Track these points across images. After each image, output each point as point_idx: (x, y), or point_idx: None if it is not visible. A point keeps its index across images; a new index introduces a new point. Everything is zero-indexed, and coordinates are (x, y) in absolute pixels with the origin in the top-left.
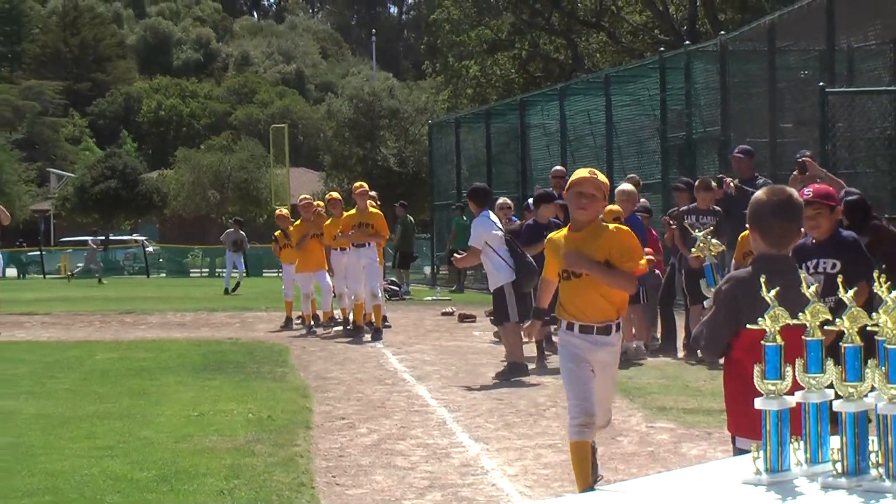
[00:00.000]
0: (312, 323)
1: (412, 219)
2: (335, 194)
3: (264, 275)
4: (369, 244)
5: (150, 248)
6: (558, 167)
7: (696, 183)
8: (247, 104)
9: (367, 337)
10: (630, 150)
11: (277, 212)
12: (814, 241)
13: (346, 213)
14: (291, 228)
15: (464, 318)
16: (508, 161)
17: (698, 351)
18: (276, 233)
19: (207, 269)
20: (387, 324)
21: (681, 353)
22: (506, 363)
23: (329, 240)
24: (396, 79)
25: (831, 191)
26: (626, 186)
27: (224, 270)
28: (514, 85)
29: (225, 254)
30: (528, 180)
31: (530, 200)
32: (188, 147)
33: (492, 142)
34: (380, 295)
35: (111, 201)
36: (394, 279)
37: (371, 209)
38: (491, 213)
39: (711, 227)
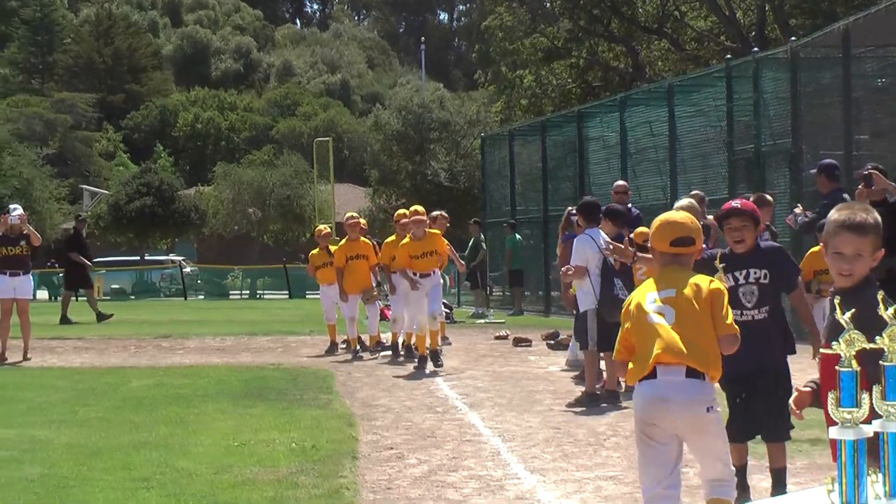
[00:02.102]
0: (359, 347)
1: (519, 237)
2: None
3: (308, 296)
4: (434, 272)
5: (188, 269)
6: (620, 182)
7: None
8: (289, 117)
9: (430, 367)
10: (694, 163)
11: (318, 229)
12: (738, 252)
13: (401, 242)
14: (335, 248)
15: (519, 342)
16: (565, 176)
17: None
18: (313, 251)
19: (248, 291)
20: (448, 342)
21: None
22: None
23: (387, 259)
24: (447, 89)
25: (755, 206)
26: (686, 202)
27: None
28: (571, 95)
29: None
30: (588, 195)
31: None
32: (227, 162)
33: (548, 155)
34: (439, 318)
35: (147, 219)
36: (444, 301)
37: (429, 232)
38: (601, 231)
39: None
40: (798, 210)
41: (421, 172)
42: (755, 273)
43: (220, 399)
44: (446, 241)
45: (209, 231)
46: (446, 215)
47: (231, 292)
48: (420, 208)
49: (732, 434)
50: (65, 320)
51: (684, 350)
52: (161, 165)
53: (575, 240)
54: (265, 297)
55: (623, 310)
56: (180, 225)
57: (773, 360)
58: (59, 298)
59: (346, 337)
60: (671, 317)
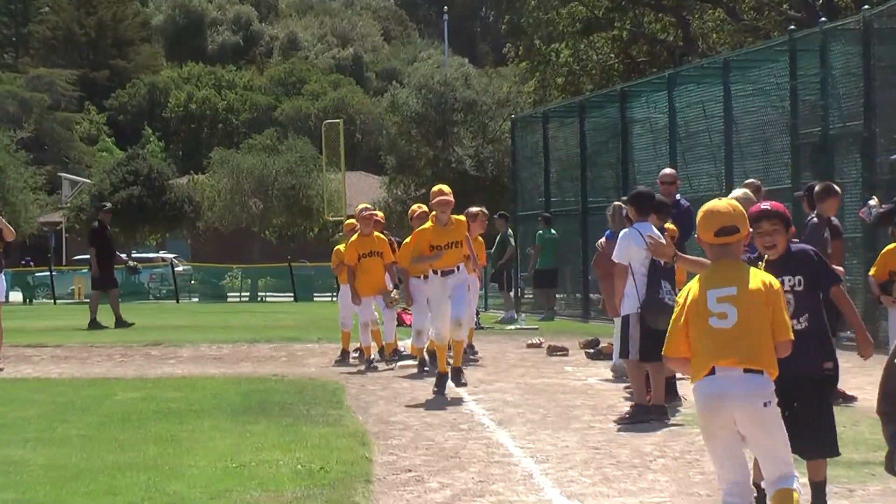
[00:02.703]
0: (374, 356)
1: (556, 234)
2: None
3: (315, 299)
4: (458, 267)
5: (181, 268)
6: (668, 170)
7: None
8: (294, 96)
9: (453, 388)
10: (753, 149)
11: (347, 222)
12: (770, 259)
13: (420, 227)
14: (342, 247)
15: (554, 350)
16: (606, 163)
17: None
18: (340, 246)
19: (248, 293)
20: (474, 352)
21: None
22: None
23: (405, 261)
24: (473, 65)
25: (784, 208)
26: (740, 192)
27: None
28: (612, 72)
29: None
30: (631, 185)
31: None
32: (225, 147)
33: (587, 140)
34: (464, 325)
35: (134, 212)
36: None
37: (455, 219)
38: (651, 226)
39: None
40: (873, 202)
41: (443, 159)
42: (790, 281)
43: (216, 414)
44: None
45: (204, 225)
46: (486, 212)
47: (229, 294)
48: (446, 188)
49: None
50: (94, 324)
51: (745, 353)
52: (150, 151)
53: (621, 234)
54: (267, 299)
55: (679, 306)
56: (172, 218)
57: (817, 371)
58: (33, 301)
59: (358, 345)
60: (734, 316)
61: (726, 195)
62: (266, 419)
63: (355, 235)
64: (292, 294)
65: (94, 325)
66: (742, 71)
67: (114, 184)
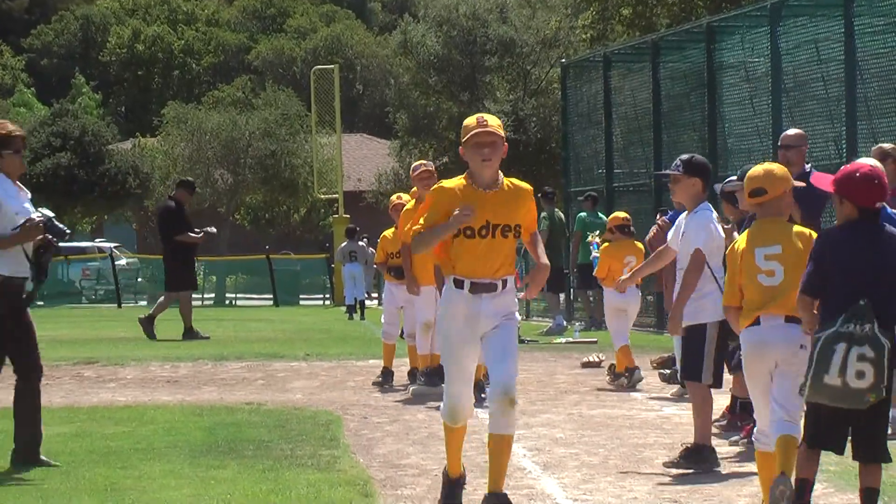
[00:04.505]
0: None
1: (562, 215)
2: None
3: (302, 303)
4: None
5: (123, 262)
6: (794, 131)
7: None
8: (274, 34)
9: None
10: (884, 104)
11: (394, 203)
12: None
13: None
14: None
15: (589, 365)
16: (688, 122)
17: None
18: (388, 231)
19: (213, 294)
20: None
21: None
22: (687, 444)
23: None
24: None
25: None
26: (869, 161)
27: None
28: (696, 1)
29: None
30: (721, 151)
31: (720, 186)
32: (182, 102)
33: (661, 92)
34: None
35: (62, 187)
36: None
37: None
38: (709, 206)
39: None
40: None
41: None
42: None
43: (171, 456)
44: None
45: (154, 204)
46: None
47: None
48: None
49: (820, 438)
50: (190, 333)
51: (788, 305)
52: (83, 106)
53: (694, 213)
54: (239, 303)
55: (731, 262)
56: (111, 196)
57: None
58: None
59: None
60: (780, 274)
61: (847, 163)
62: (236, 462)
63: (411, 202)
64: (272, 296)
65: (189, 334)
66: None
67: (34, 149)
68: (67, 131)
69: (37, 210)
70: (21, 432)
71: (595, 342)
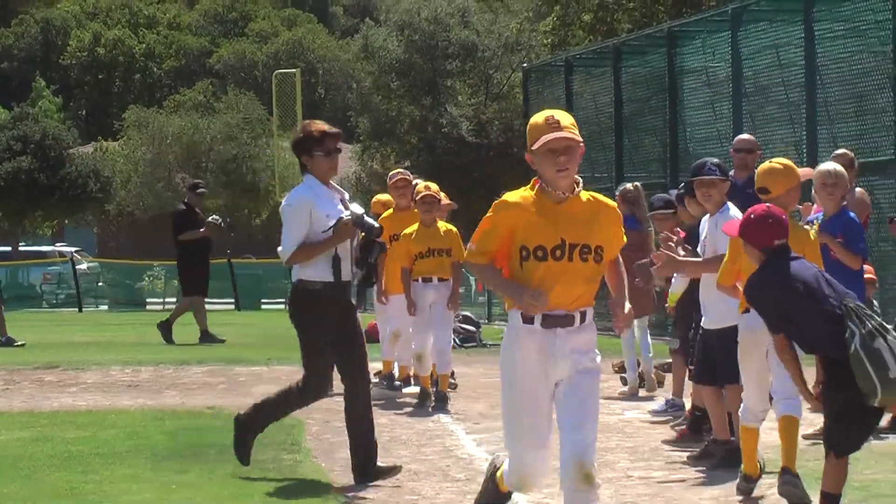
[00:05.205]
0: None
1: None
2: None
3: (264, 307)
4: (434, 278)
5: (84, 266)
6: (745, 136)
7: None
8: (236, 38)
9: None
10: (845, 108)
11: (377, 199)
12: None
13: (405, 231)
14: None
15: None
16: (650, 126)
17: None
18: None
19: (174, 299)
20: (452, 382)
21: None
22: (707, 441)
23: (407, 260)
24: None
25: None
26: (830, 166)
27: None
28: (658, 6)
29: None
30: (682, 155)
31: (675, 192)
32: (143, 106)
33: (623, 97)
34: (450, 352)
35: (22, 192)
36: (468, 314)
37: (442, 225)
38: (731, 205)
39: None
40: None
41: (433, 121)
42: None
43: (132, 461)
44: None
45: (116, 209)
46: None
47: (148, 300)
48: (433, 186)
49: (852, 441)
50: (206, 336)
51: None
52: (43, 110)
53: (718, 217)
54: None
55: (731, 249)
56: (72, 200)
57: None
58: None
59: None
60: None
61: (808, 167)
62: (198, 466)
63: (412, 227)
64: (233, 300)
65: (206, 337)
66: (830, 4)
67: None
68: (28, 135)
69: (348, 208)
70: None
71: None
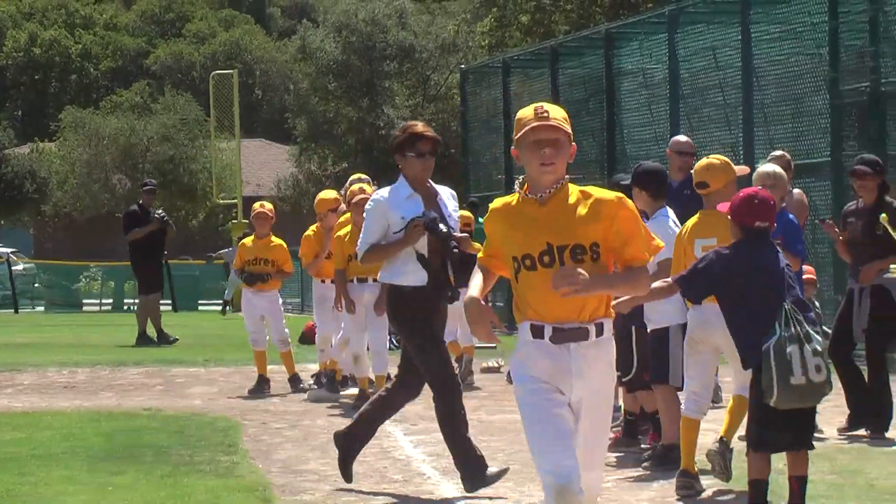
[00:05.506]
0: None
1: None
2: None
3: (201, 308)
4: (369, 278)
5: (20, 267)
6: (682, 137)
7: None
8: (173, 39)
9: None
10: (781, 110)
11: (324, 197)
12: None
13: (338, 233)
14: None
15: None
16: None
17: None
18: (248, 239)
19: (111, 300)
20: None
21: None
22: (657, 445)
23: (341, 262)
24: None
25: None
26: (769, 168)
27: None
28: (595, 8)
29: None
30: (619, 157)
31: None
32: (80, 106)
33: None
34: (386, 353)
35: None
36: None
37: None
38: (670, 210)
39: None
40: None
41: (370, 123)
42: None
43: (68, 462)
44: None
45: (52, 210)
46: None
47: (85, 301)
48: (367, 188)
49: (771, 442)
50: (163, 337)
51: None
52: None
53: (653, 220)
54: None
55: (678, 245)
56: (8, 200)
57: None
58: None
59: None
60: None
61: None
62: (135, 468)
63: (346, 229)
64: (170, 302)
65: (162, 338)
66: (767, 7)
67: None
68: None
69: (424, 211)
70: None
71: (495, 347)
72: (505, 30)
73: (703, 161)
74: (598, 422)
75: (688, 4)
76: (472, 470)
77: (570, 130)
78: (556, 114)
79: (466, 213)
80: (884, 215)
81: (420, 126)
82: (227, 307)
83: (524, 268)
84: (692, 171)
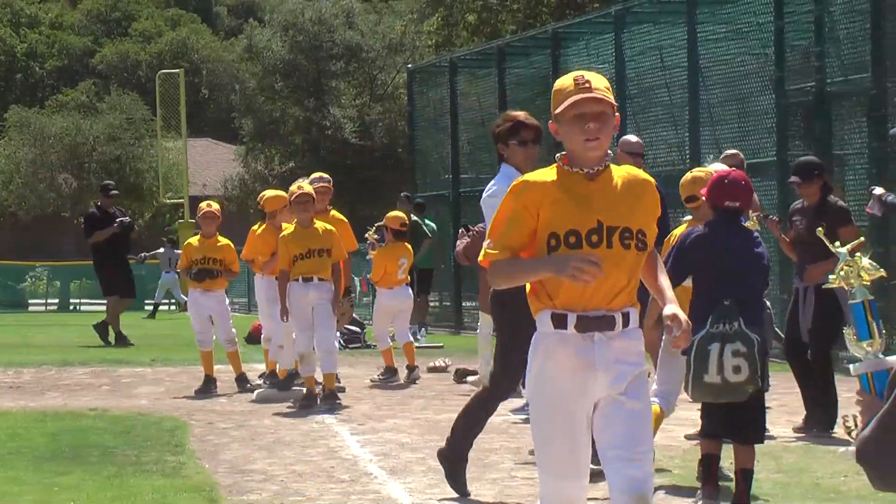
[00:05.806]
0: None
1: (434, 225)
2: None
3: (146, 307)
4: (314, 277)
5: None
6: (632, 137)
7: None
8: (119, 38)
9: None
10: (727, 110)
11: (269, 196)
12: None
13: (282, 233)
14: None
15: (464, 375)
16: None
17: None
18: (193, 238)
19: (57, 300)
20: (339, 385)
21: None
22: None
23: (286, 262)
24: None
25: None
26: (719, 167)
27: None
28: (541, 7)
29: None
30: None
31: None
32: (25, 106)
33: (507, 98)
34: (336, 351)
35: None
36: (354, 316)
37: (329, 219)
38: None
39: (862, 239)
40: (879, 191)
41: (317, 123)
42: None
43: (13, 462)
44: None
45: None
46: (328, 178)
47: (31, 301)
48: (305, 185)
49: (713, 431)
50: (121, 339)
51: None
52: None
53: None
54: (83, 308)
55: (666, 242)
56: None
57: None
58: None
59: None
60: None
61: (691, 169)
62: (81, 468)
63: (290, 227)
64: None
65: (120, 340)
66: (713, 7)
67: None
68: None
69: None
70: None
71: (441, 347)
72: (452, 29)
73: (689, 175)
74: (634, 414)
75: (634, 4)
76: (454, 467)
77: (614, 101)
78: (599, 83)
79: (399, 212)
80: (819, 228)
81: (522, 114)
82: (157, 309)
83: (565, 245)
84: (679, 185)
